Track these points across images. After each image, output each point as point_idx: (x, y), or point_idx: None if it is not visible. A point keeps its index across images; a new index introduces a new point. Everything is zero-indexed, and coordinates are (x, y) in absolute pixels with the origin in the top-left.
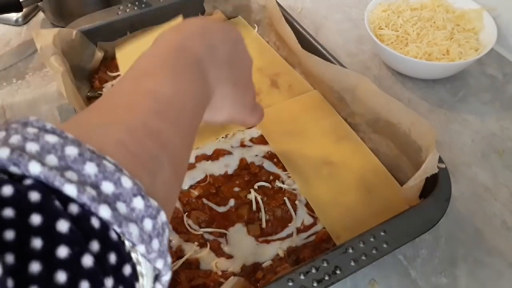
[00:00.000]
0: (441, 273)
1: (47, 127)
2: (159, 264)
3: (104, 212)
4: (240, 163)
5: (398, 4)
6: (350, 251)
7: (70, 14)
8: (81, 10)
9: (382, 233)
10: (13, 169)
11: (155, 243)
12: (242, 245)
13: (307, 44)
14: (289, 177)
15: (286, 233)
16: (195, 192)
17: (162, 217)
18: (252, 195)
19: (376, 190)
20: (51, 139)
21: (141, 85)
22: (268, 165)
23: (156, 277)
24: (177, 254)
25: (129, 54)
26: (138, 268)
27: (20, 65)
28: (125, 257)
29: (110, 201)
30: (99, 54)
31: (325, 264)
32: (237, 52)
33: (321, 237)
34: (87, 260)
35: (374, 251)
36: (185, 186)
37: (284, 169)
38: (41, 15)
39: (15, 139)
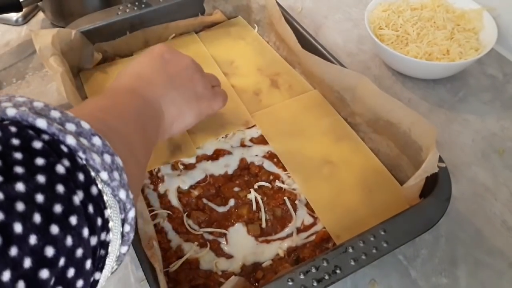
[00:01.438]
0: (441, 273)
1: (50, 106)
2: (122, 194)
3: (70, 140)
4: (240, 163)
5: (398, 4)
6: (350, 250)
7: (70, 14)
8: (81, 10)
9: (382, 233)
10: (26, 122)
11: (116, 174)
12: (242, 245)
13: (307, 44)
14: (289, 177)
15: (286, 233)
16: (195, 192)
17: (118, 160)
18: (252, 195)
19: (376, 190)
20: (21, 99)
21: (84, 104)
22: (268, 165)
23: (123, 222)
24: (177, 254)
25: (96, 83)
26: (104, 197)
27: (19, 65)
28: (91, 179)
29: (74, 135)
30: (98, 55)
31: (325, 264)
32: (167, 62)
33: (321, 236)
34: (60, 168)
35: (374, 251)
36: (185, 186)
37: (284, 169)
38: (41, 15)
39: (22, 101)
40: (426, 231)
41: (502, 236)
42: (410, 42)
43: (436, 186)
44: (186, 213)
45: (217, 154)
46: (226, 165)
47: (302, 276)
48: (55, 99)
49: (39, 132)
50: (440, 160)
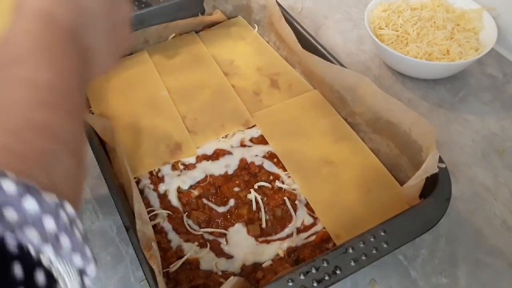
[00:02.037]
0: (441, 273)
1: None
2: (77, 259)
3: None
4: (240, 163)
5: (398, 4)
6: (350, 251)
7: None
8: None
9: (382, 233)
10: None
11: (64, 240)
12: (242, 245)
13: (307, 44)
14: (289, 177)
15: (286, 233)
16: (195, 192)
17: (68, 209)
18: (252, 195)
19: (376, 190)
20: None
21: (13, 75)
22: (268, 165)
23: (81, 272)
24: (177, 254)
25: (98, 87)
26: (54, 270)
27: None
28: (32, 264)
29: None
30: None
31: (325, 264)
32: (112, 2)
33: (321, 237)
34: None
35: (374, 251)
36: (185, 186)
37: (284, 169)
38: None
39: None
40: (426, 231)
41: (502, 236)
42: (410, 42)
43: (436, 186)
44: (186, 213)
45: (217, 154)
46: (226, 165)
47: (302, 277)
48: None
49: None
50: (440, 160)
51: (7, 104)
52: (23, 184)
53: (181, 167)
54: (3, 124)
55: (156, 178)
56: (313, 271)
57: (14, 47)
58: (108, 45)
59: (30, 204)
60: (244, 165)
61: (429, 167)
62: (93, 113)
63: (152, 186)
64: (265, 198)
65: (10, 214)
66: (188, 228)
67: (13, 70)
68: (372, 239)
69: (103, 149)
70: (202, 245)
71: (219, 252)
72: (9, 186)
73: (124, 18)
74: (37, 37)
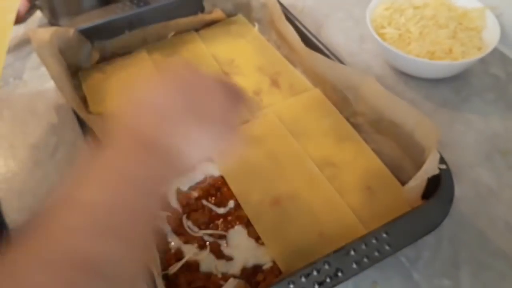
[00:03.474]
0: (443, 275)
1: None
2: None
3: None
4: None
5: (401, 3)
6: (352, 253)
7: (68, 12)
8: (79, 9)
9: (384, 235)
10: None
11: None
12: (242, 247)
13: (309, 43)
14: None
15: None
16: (195, 194)
17: None
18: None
19: (378, 191)
20: None
21: (69, 195)
22: None
23: None
24: (176, 256)
25: (94, 82)
26: None
27: (17, 64)
28: None
29: None
30: (96, 54)
31: (326, 266)
32: (202, 96)
33: None
34: None
35: (376, 253)
36: (185, 187)
37: None
38: (38, 14)
39: None
40: (428, 233)
41: (505, 238)
42: (413, 41)
43: (439, 187)
44: (186, 214)
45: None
46: None
47: (303, 279)
48: (52, 98)
49: None
50: (441, 161)
51: (53, 228)
52: None
53: None
54: (40, 253)
55: None
56: (315, 273)
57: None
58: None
59: None
60: None
61: (430, 168)
62: (91, 113)
63: None
64: None
65: None
66: (188, 229)
67: (76, 194)
68: (374, 241)
69: None
70: (201, 247)
71: (219, 254)
72: None
73: (213, 109)
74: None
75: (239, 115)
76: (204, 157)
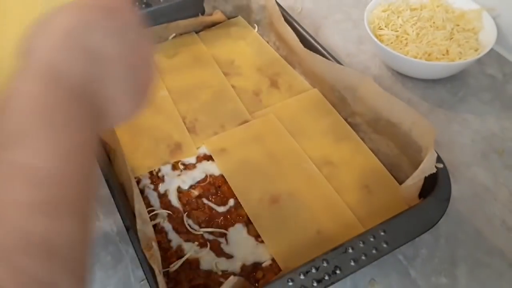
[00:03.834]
0: (441, 273)
1: None
2: None
3: None
4: None
5: (398, 4)
6: (350, 251)
7: None
8: None
9: (382, 233)
10: None
11: None
12: (242, 245)
13: (307, 44)
14: None
15: None
16: (195, 192)
17: None
18: None
19: (376, 190)
20: None
21: (10, 162)
22: None
23: None
24: (177, 254)
25: None
26: None
27: None
28: None
29: None
30: None
31: (325, 264)
32: (130, 42)
33: None
34: None
35: (374, 251)
36: (185, 186)
37: None
38: None
39: None
40: (426, 231)
41: (502, 236)
42: (410, 42)
43: (435, 186)
44: (186, 212)
45: None
46: None
47: (302, 276)
48: None
49: None
50: (438, 160)
51: (2, 208)
52: None
53: (181, 167)
54: None
55: (156, 178)
56: (313, 270)
57: (15, 116)
58: (127, 91)
59: None
60: None
61: (427, 167)
62: None
63: (152, 186)
64: None
65: None
66: (188, 228)
67: (11, 154)
68: (372, 239)
69: (103, 149)
70: (202, 245)
71: (219, 252)
72: None
73: (145, 59)
74: (40, 103)
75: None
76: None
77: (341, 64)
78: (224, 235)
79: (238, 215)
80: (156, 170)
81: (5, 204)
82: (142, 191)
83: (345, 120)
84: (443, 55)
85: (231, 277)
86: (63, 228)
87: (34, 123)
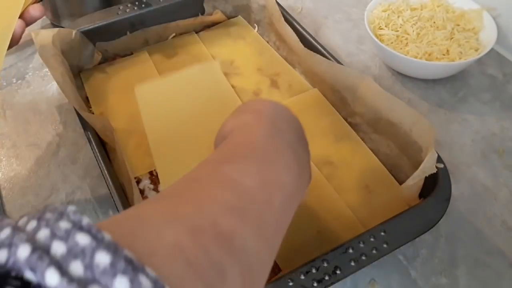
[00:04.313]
0: (441, 273)
1: (83, 222)
2: None
3: None
4: None
5: (398, 4)
6: (350, 251)
7: (70, 14)
8: (81, 10)
9: (382, 233)
10: (29, 274)
11: None
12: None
13: (307, 44)
14: None
15: None
16: None
17: None
18: None
19: (376, 190)
20: (83, 240)
21: (221, 172)
22: None
23: None
24: None
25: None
26: None
27: (20, 65)
28: None
29: None
30: (98, 55)
31: (325, 264)
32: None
33: None
34: None
35: (374, 251)
36: None
37: None
38: None
39: (43, 234)
40: (426, 231)
41: (502, 236)
42: (410, 42)
43: (436, 186)
44: None
45: None
46: None
47: (302, 277)
48: (55, 99)
49: None
50: (439, 160)
51: (203, 199)
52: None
53: None
54: (191, 218)
55: (156, 178)
56: (313, 271)
57: (232, 144)
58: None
59: None
60: None
61: (427, 167)
62: (93, 113)
63: (152, 186)
64: None
65: None
66: None
67: (223, 166)
68: (372, 239)
69: (103, 149)
70: None
71: None
72: (145, 282)
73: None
74: (254, 139)
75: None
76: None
77: (341, 64)
78: None
79: None
80: (156, 170)
81: (208, 199)
82: (142, 191)
83: (345, 120)
84: (444, 55)
85: None
86: (245, 235)
87: (248, 151)
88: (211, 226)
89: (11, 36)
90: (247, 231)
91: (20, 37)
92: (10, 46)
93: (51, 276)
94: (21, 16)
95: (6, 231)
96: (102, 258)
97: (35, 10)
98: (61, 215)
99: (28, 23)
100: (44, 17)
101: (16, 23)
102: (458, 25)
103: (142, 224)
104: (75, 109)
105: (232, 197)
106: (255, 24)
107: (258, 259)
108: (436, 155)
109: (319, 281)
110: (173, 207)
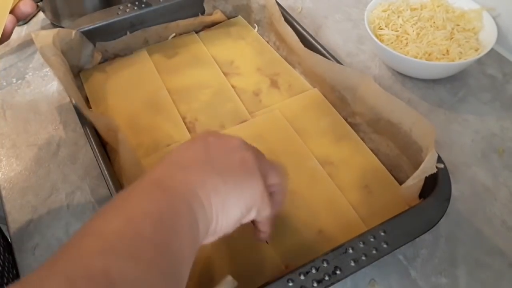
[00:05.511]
0: (441, 273)
1: None
2: None
3: None
4: None
5: (398, 4)
6: (350, 251)
7: (70, 14)
8: (81, 10)
9: (382, 233)
10: None
11: None
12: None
13: (307, 44)
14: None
15: None
16: None
17: None
18: None
19: (376, 190)
20: None
21: (90, 227)
22: None
23: None
24: None
25: (95, 83)
26: None
27: (20, 65)
28: None
29: None
30: (98, 54)
31: (325, 264)
32: (210, 144)
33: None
34: None
35: (374, 251)
36: None
37: None
38: (41, 15)
39: None
40: (426, 231)
41: (502, 236)
42: (410, 42)
43: (436, 186)
44: None
45: None
46: None
47: (302, 277)
48: (55, 99)
49: None
50: (439, 160)
51: (74, 250)
52: None
53: None
54: (65, 270)
55: None
56: (313, 271)
57: (176, 151)
58: (239, 201)
59: None
60: None
61: (427, 167)
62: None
63: None
64: None
65: None
66: None
67: (93, 221)
68: (372, 239)
69: (103, 149)
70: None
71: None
72: None
73: (241, 167)
74: (186, 148)
75: (261, 168)
76: (227, 227)
77: (341, 64)
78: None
79: None
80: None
81: (78, 250)
82: None
83: (345, 120)
84: (443, 55)
85: (229, 277)
86: (121, 267)
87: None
88: (84, 271)
89: (1, 31)
90: (122, 263)
91: (11, 32)
92: (1, 42)
93: None
94: (12, 12)
95: None
96: None
97: (26, 5)
98: None
99: (19, 19)
100: (44, 17)
101: (6, 19)
102: (458, 25)
103: (29, 283)
104: (76, 109)
105: (97, 242)
106: (255, 24)
107: (146, 281)
108: (436, 155)
109: (319, 281)
110: (54, 262)
